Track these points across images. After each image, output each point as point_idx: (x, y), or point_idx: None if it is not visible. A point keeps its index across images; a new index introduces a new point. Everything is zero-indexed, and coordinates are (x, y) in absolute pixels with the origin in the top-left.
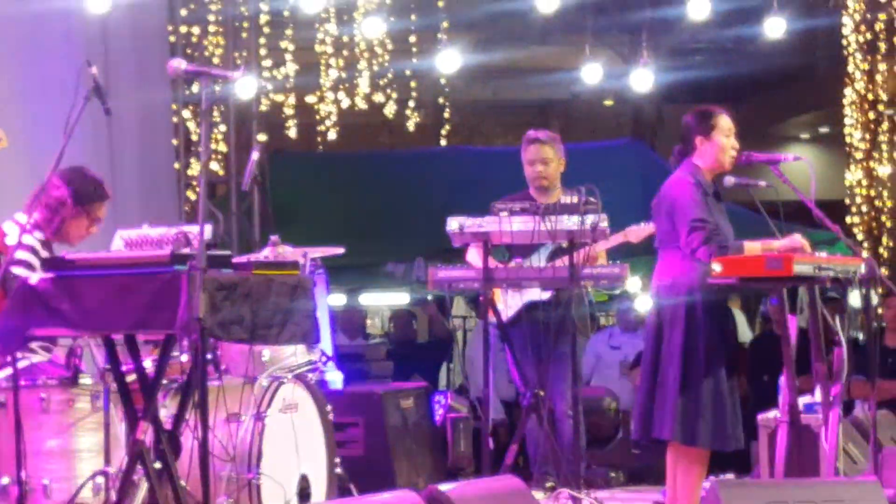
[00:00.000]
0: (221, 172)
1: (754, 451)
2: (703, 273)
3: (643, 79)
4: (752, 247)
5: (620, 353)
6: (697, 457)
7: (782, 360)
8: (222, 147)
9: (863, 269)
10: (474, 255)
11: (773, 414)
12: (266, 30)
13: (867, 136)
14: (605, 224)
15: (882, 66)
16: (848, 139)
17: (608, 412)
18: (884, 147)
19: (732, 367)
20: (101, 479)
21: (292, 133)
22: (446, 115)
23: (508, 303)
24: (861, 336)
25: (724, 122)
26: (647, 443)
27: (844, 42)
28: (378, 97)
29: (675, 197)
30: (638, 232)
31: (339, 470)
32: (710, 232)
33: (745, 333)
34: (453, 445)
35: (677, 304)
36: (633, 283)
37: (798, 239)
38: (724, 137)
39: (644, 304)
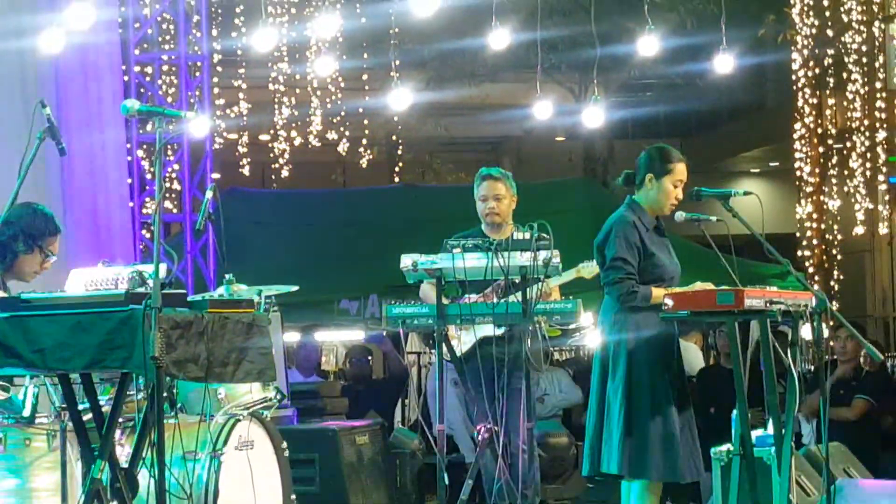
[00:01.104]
0: (176, 211)
1: (705, 484)
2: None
3: (594, 115)
4: (658, 293)
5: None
6: (650, 489)
7: (728, 392)
8: (176, 186)
9: (813, 302)
10: (428, 292)
11: (725, 447)
12: (219, 68)
13: (817, 171)
14: (557, 260)
15: (831, 101)
16: (798, 173)
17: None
18: (833, 181)
19: (683, 400)
20: None
21: (246, 171)
22: (399, 152)
23: (462, 338)
24: (812, 368)
25: (680, 171)
26: (598, 477)
27: (793, 77)
28: (331, 135)
29: (608, 233)
30: (590, 268)
31: None
32: (626, 273)
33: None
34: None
35: (620, 340)
36: (586, 319)
37: (699, 286)
38: (672, 186)
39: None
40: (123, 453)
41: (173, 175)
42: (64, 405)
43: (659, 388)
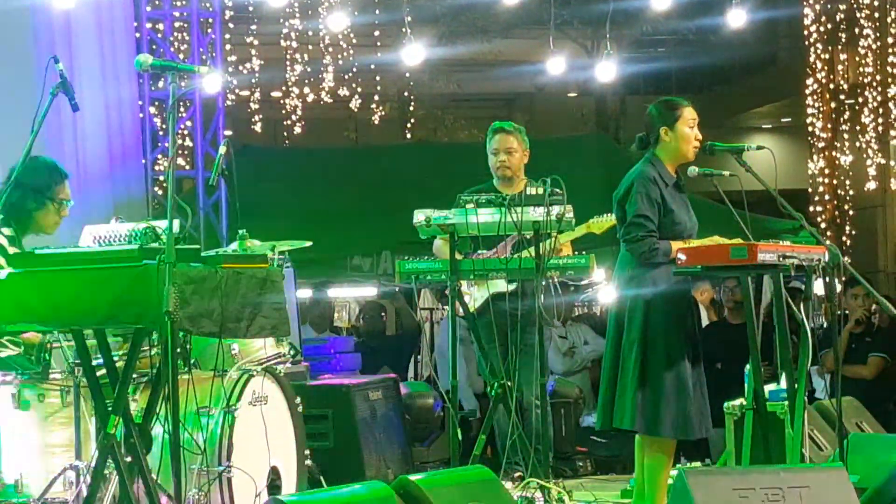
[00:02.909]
0: (188, 167)
1: (713, 439)
2: (662, 264)
3: (606, 70)
4: (677, 246)
5: (567, 341)
6: (663, 446)
7: (733, 347)
8: (188, 142)
9: (826, 256)
10: (441, 247)
11: (738, 401)
12: (231, 25)
13: (829, 126)
14: (570, 214)
15: (843, 56)
16: (810, 129)
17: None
18: (846, 136)
19: (696, 357)
20: (72, 474)
21: (258, 127)
22: (411, 108)
23: (475, 294)
24: (824, 323)
25: (689, 112)
26: (611, 432)
27: (805, 33)
28: (343, 91)
29: (629, 189)
30: (601, 223)
31: (309, 462)
32: (647, 231)
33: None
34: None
35: (636, 296)
36: (598, 274)
37: (718, 240)
38: (688, 128)
39: (608, 295)
40: (137, 409)
41: (185, 131)
42: (77, 360)
43: (674, 345)
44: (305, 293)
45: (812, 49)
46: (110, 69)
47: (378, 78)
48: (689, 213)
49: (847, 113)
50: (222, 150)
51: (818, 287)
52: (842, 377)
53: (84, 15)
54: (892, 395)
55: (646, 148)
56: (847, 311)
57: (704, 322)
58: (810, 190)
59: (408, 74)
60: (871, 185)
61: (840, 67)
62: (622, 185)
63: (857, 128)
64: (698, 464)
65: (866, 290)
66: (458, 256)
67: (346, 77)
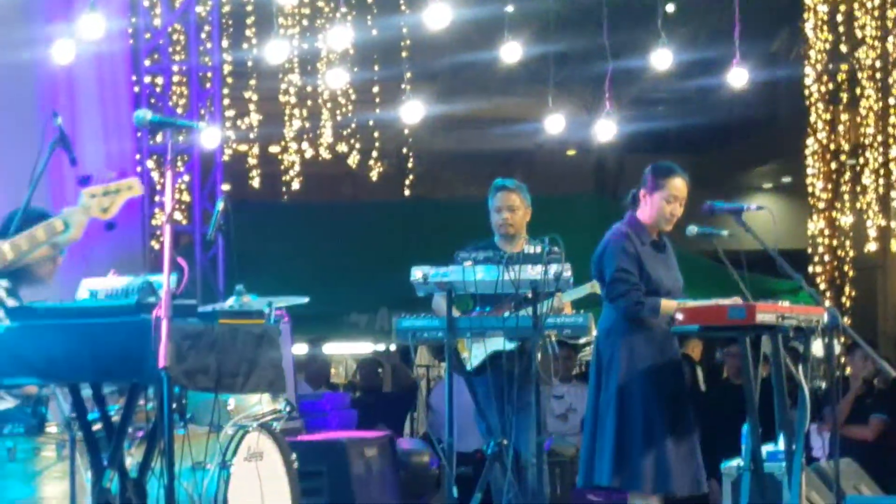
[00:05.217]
0: (185, 222)
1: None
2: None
3: (606, 129)
4: (669, 305)
5: (564, 402)
6: (652, 502)
7: (731, 409)
8: (186, 197)
9: (825, 318)
10: (440, 304)
11: (736, 462)
12: (230, 80)
13: (829, 186)
14: (568, 273)
15: (844, 117)
16: (810, 189)
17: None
18: (846, 197)
19: (680, 412)
20: None
21: (256, 183)
22: (410, 165)
23: (473, 352)
24: (823, 385)
25: (674, 186)
26: (595, 487)
27: (806, 92)
28: (341, 147)
29: (605, 247)
30: None
31: None
32: (631, 285)
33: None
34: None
35: (613, 351)
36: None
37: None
38: (665, 202)
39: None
40: (133, 463)
41: (183, 186)
42: (74, 415)
43: (651, 404)
44: (302, 349)
45: (813, 109)
46: (112, 122)
47: (377, 134)
48: (669, 271)
49: (848, 173)
50: (220, 205)
51: (817, 348)
52: (844, 438)
53: (84, 69)
54: (894, 458)
55: (636, 203)
56: (849, 374)
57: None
58: (810, 250)
59: (406, 131)
60: (872, 246)
61: (841, 127)
62: (600, 245)
63: (858, 188)
64: None
65: (865, 352)
66: (455, 314)
67: (345, 133)
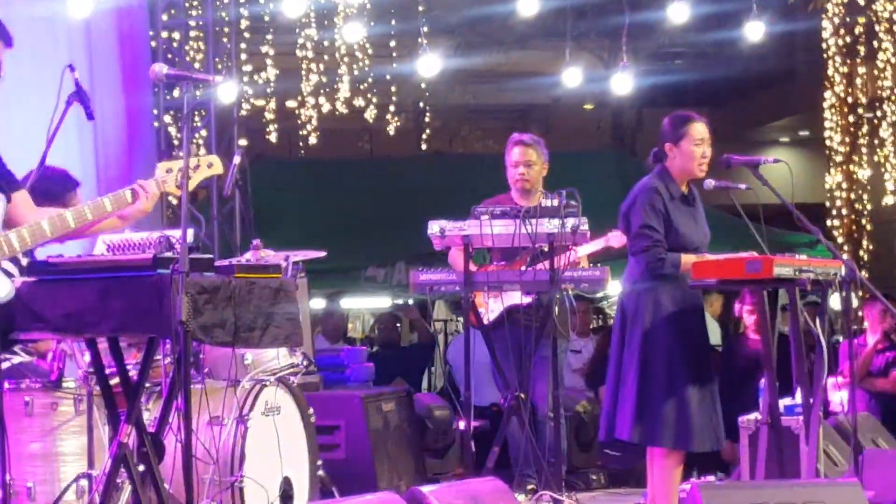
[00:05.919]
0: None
1: (726, 453)
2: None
3: (623, 83)
4: (688, 259)
5: (581, 356)
6: (669, 458)
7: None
8: (203, 152)
9: (843, 271)
10: (456, 258)
11: (753, 416)
12: (247, 34)
13: (847, 140)
14: (585, 227)
15: (861, 70)
16: (828, 142)
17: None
18: (863, 150)
19: (702, 368)
20: (84, 483)
21: (273, 138)
22: (426, 119)
23: (490, 306)
24: (840, 338)
25: (696, 130)
26: (613, 443)
27: (824, 45)
28: (358, 102)
29: (633, 201)
30: (619, 237)
31: (321, 473)
32: (654, 241)
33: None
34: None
35: (638, 305)
36: (613, 287)
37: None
38: (694, 146)
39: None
40: (150, 418)
41: (200, 141)
42: (90, 369)
43: (674, 359)
44: (319, 303)
45: (831, 62)
46: (126, 77)
47: (394, 88)
48: (697, 225)
49: (865, 126)
50: (236, 160)
51: (834, 301)
52: (866, 392)
53: (101, 23)
54: None
55: (659, 160)
56: (865, 327)
57: (715, 335)
58: (828, 204)
59: (423, 85)
60: (890, 199)
61: (859, 81)
62: (628, 197)
63: (876, 142)
64: (712, 478)
65: (883, 305)
66: (472, 268)
67: (362, 87)
